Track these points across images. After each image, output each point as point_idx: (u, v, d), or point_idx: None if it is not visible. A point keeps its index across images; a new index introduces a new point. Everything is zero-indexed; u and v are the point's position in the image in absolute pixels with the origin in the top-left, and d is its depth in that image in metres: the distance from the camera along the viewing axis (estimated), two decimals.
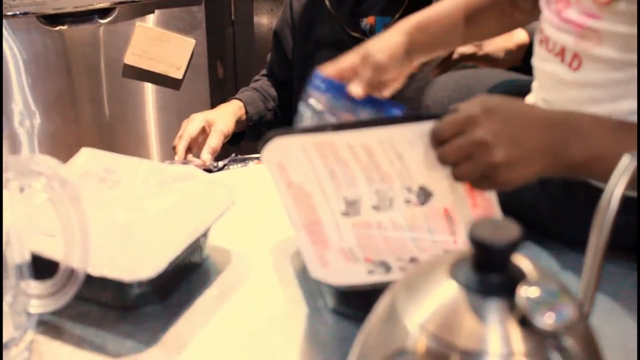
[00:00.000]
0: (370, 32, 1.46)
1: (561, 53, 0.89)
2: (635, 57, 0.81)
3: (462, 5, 1.04)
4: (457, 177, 0.76)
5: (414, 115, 0.81)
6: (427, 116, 0.78)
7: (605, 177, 0.69)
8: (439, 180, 0.80)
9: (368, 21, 1.47)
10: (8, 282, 0.71)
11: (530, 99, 1.02)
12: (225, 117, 1.52)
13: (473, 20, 1.04)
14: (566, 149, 0.75)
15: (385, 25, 1.43)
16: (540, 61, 0.95)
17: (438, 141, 0.75)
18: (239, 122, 1.56)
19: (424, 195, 0.82)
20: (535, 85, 1.00)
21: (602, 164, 0.72)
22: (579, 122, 0.77)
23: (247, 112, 1.58)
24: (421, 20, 1.03)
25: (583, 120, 0.77)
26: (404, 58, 1.00)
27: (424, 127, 0.77)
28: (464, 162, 0.74)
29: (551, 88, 0.94)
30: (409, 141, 0.78)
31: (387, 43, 0.99)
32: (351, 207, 0.82)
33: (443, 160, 0.76)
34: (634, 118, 0.82)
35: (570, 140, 0.75)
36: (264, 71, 1.72)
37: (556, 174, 0.77)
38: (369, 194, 0.81)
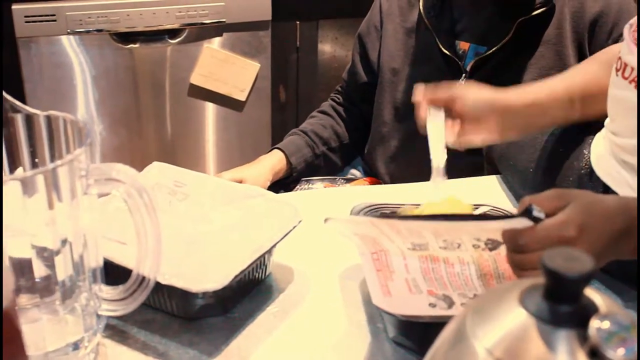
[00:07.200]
0: (462, 57, 1.41)
1: (635, 79, 0.90)
2: None
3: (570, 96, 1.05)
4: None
5: (489, 217, 0.80)
6: (504, 217, 0.79)
7: None
8: None
9: (461, 46, 1.41)
10: (83, 285, 0.73)
11: (599, 135, 1.02)
12: (258, 176, 1.42)
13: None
14: (626, 249, 0.77)
15: (477, 54, 1.38)
16: (616, 89, 0.96)
17: (520, 250, 0.74)
18: (277, 174, 1.48)
19: (492, 243, 0.82)
20: (607, 120, 1.00)
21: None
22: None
23: (290, 163, 1.50)
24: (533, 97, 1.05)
25: None
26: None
27: (499, 225, 0.77)
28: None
29: (622, 115, 0.94)
30: (481, 230, 0.80)
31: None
32: (418, 246, 0.82)
33: (519, 265, 0.74)
34: None
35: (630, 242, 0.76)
36: (338, 87, 1.65)
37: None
38: (436, 241, 0.82)
